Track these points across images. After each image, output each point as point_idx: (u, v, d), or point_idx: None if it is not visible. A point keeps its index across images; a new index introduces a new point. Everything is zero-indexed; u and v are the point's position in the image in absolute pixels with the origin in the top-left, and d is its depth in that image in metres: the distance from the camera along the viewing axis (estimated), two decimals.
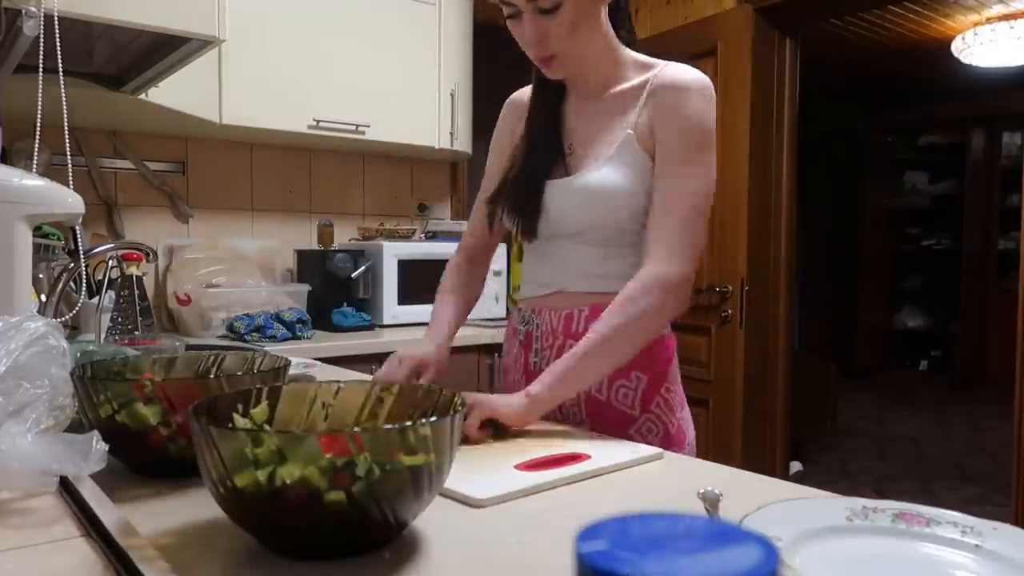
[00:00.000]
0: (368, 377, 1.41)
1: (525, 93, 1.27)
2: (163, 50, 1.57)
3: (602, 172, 1.10)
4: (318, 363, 1.60)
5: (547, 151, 1.17)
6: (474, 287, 1.34)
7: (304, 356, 1.70)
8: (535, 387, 0.99)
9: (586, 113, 1.18)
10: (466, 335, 2.50)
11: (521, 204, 1.17)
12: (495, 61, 3.79)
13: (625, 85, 1.15)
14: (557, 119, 1.20)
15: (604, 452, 0.88)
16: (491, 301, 2.78)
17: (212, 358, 0.92)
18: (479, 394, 0.98)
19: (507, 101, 1.34)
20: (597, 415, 1.11)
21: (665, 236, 1.05)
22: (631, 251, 1.11)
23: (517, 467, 0.81)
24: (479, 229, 1.31)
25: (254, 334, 2.18)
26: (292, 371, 1.45)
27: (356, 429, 0.66)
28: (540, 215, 1.15)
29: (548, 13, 1.05)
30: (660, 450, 0.91)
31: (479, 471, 0.79)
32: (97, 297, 1.90)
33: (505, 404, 0.96)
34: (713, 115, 1.11)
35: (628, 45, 1.18)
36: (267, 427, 0.67)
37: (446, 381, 0.98)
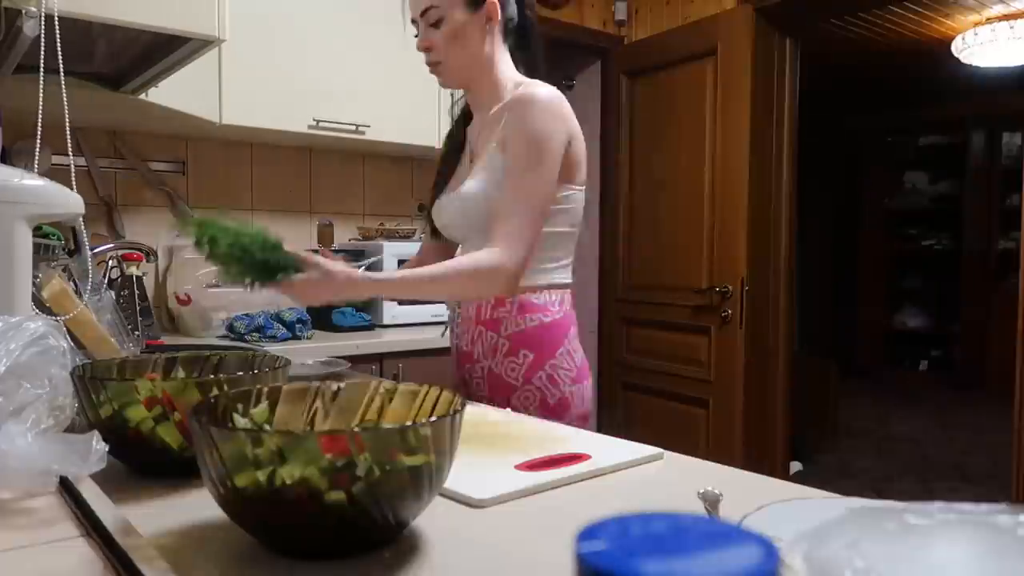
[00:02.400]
0: (370, 378, 1.43)
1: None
2: (163, 50, 1.57)
3: (471, 182, 1.32)
4: (344, 362, 1.61)
5: (441, 172, 1.44)
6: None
7: (304, 356, 1.70)
8: (359, 276, 1.21)
9: (479, 132, 1.40)
10: None
11: (426, 216, 1.48)
12: None
13: (500, 104, 1.34)
14: (459, 143, 1.45)
15: (604, 452, 0.88)
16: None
17: (212, 358, 0.92)
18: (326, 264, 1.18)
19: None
20: (492, 383, 1.33)
21: (506, 231, 1.23)
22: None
23: (517, 467, 0.81)
24: (425, 237, 1.57)
25: (254, 334, 2.18)
26: (316, 371, 1.49)
27: (356, 429, 0.66)
28: (435, 225, 1.43)
29: (434, 27, 1.31)
30: (660, 450, 0.91)
31: (479, 471, 0.79)
32: (97, 296, 1.89)
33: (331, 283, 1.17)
34: (555, 128, 1.27)
35: (531, 67, 1.39)
36: (267, 427, 0.67)
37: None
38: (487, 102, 1.37)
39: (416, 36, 1.35)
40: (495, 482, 0.75)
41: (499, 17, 1.33)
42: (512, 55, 1.38)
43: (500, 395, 1.31)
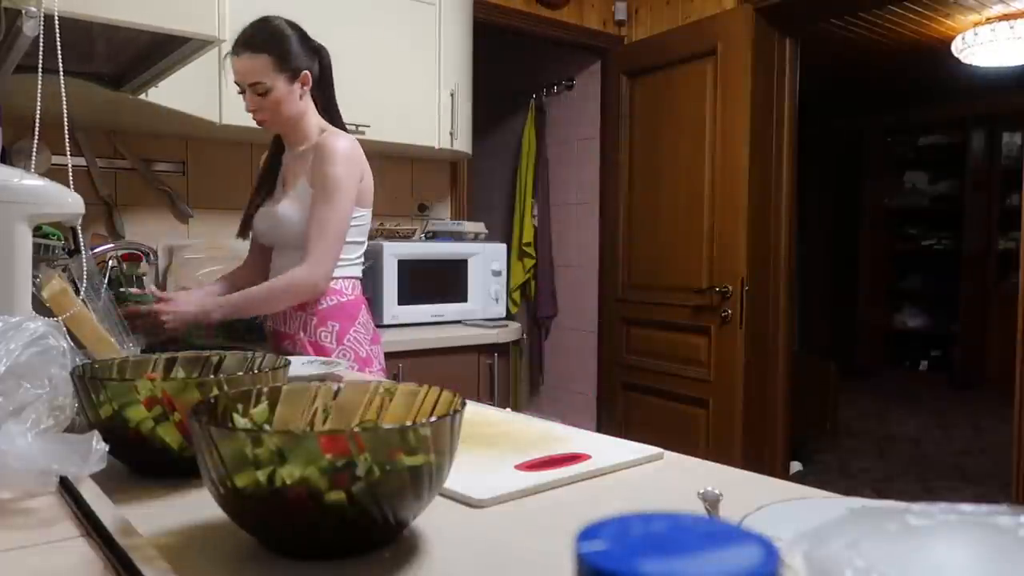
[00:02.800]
0: (369, 377, 1.45)
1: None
2: (163, 50, 1.57)
3: (282, 204, 1.76)
4: (344, 361, 1.63)
5: (263, 187, 1.89)
6: (240, 282, 1.90)
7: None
8: (210, 306, 1.70)
9: (290, 162, 1.83)
10: (466, 335, 2.50)
11: (243, 218, 1.91)
12: (495, 61, 3.80)
13: (307, 145, 1.78)
14: (277, 165, 1.88)
15: (604, 452, 0.88)
16: (491, 301, 2.78)
17: (212, 358, 0.92)
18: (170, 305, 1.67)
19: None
20: (317, 349, 1.73)
21: (314, 252, 1.68)
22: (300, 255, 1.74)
23: (517, 467, 0.81)
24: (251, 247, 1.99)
25: (251, 333, 2.18)
26: (316, 371, 1.50)
27: (356, 429, 0.66)
28: (250, 229, 1.90)
29: (261, 96, 1.69)
30: (660, 450, 0.91)
31: (479, 471, 0.79)
32: (98, 296, 1.89)
33: (177, 313, 1.65)
34: (349, 173, 1.70)
35: (328, 115, 1.82)
36: (267, 427, 0.67)
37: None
38: (297, 142, 1.80)
39: (239, 93, 1.73)
40: (495, 482, 0.75)
41: (310, 83, 1.73)
42: (314, 98, 1.78)
43: (323, 354, 1.71)
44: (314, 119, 1.79)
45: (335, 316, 1.77)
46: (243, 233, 1.92)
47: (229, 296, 1.72)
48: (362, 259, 1.86)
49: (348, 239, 1.76)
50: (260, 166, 1.94)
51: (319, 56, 1.78)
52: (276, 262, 1.86)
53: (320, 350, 1.75)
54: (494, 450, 0.90)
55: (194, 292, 1.89)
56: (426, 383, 0.70)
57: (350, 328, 1.78)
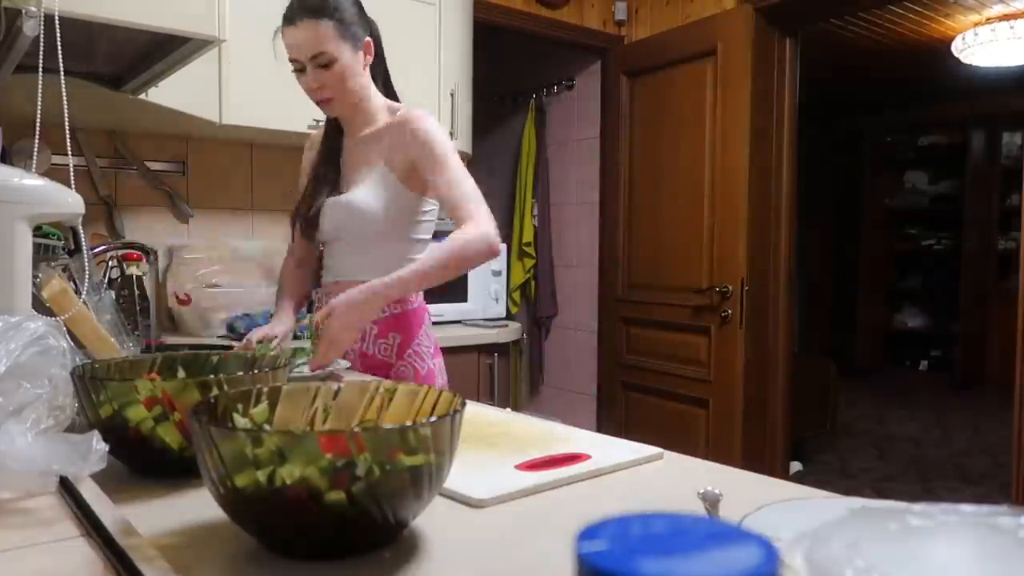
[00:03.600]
0: (369, 377, 1.45)
1: (319, 133, 1.71)
2: (163, 50, 1.57)
3: (358, 193, 1.53)
4: (345, 362, 1.61)
5: (325, 178, 1.61)
6: (304, 285, 1.74)
7: (304, 356, 1.70)
8: (379, 285, 1.39)
9: (354, 148, 1.60)
10: (466, 335, 2.50)
11: (303, 217, 1.61)
12: (495, 61, 3.80)
13: (378, 126, 1.57)
14: (337, 153, 1.63)
15: (604, 452, 0.88)
16: (491, 301, 2.78)
17: (212, 358, 0.92)
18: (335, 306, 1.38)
19: (310, 137, 1.78)
20: (366, 363, 1.54)
21: (467, 211, 1.43)
22: (382, 251, 1.54)
23: (517, 467, 0.81)
24: (297, 237, 1.70)
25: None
26: (324, 369, 1.51)
27: (356, 429, 0.66)
28: (317, 226, 1.59)
29: (324, 68, 1.46)
30: (660, 450, 0.91)
31: (479, 471, 0.79)
32: (97, 296, 1.90)
33: (347, 305, 1.37)
34: (441, 132, 1.50)
35: (386, 92, 1.62)
36: (267, 427, 0.67)
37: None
38: (363, 123, 1.58)
39: (294, 72, 1.50)
40: (495, 482, 0.75)
41: (372, 53, 1.53)
42: (372, 74, 1.57)
43: (377, 372, 1.53)
44: (378, 97, 1.59)
45: (398, 325, 1.54)
46: (308, 233, 1.63)
47: (396, 274, 1.41)
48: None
49: (415, 235, 1.57)
50: (311, 160, 1.70)
51: (372, 26, 1.57)
52: (335, 260, 1.62)
53: (372, 365, 1.54)
54: (494, 450, 0.90)
55: (276, 328, 1.60)
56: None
57: (413, 340, 1.55)
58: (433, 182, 1.48)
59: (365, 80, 1.53)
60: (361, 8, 1.53)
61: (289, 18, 1.49)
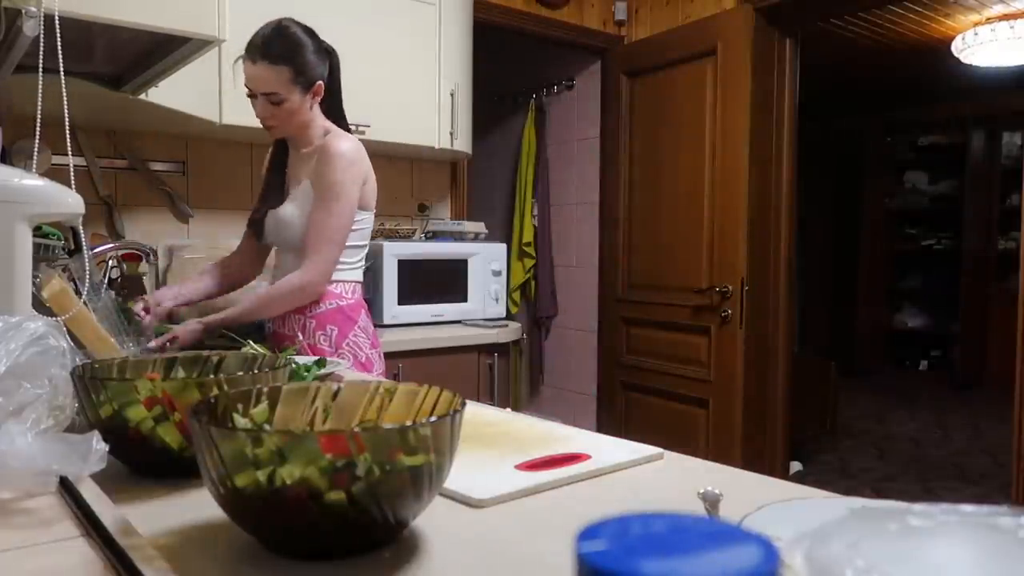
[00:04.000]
0: (370, 378, 1.45)
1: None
2: (163, 50, 1.57)
3: (286, 208, 1.76)
4: (345, 361, 1.62)
5: (271, 186, 1.85)
6: (227, 276, 1.95)
7: (304, 356, 1.71)
8: (212, 318, 1.71)
9: (295, 162, 1.81)
10: (466, 335, 2.50)
11: (252, 220, 1.88)
12: (495, 61, 3.80)
13: (312, 147, 1.76)
14: (283, 165, 1.85)
15: (604, 452, 0.88)
16: (491, 301, 2.78)
17: (212, 358, 0.92)
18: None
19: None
20: (313, 353, 1.68)
21: (314, 256, 1.69)
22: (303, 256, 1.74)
23: (517, 467, 0.81)
24: (246, 236, 1.93)
25: (254, 334, 2.18)
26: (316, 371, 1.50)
27: (356, 429, 0.66)
28: (262, 230, 1.84)
29: (274, 104, 1.67)
30: (660, 450, 0.91)
31: (479, 471, 0.79)
32: (97, 296, 1.90)
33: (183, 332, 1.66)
34: (351, 177, 1.70)
35: (333, 116, 1.80)
36: (267, 427, 0.67)
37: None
38: (302, 144, 1.78)
39: (247, 96, 1.69)
40: (495, 482, 0.75)
41: (322, 92, 1.72)
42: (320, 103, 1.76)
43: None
44: (319, 121, 1.77)
45: (333, 320, 1.76)
46: (258, 235, 1.88)
47: (227, 312, 1.73)
48: (363, 262, 1.85)
49: (349, 243, 1.76)
50: (264, 168, 1.92)
51: (329, 59, 1.76)
52: (280, 262, 1.86)
53: (317, 353, 1.72)
54: (494, 450, 0.90)
55: (184, 287, 1.89)
56: (426, 383, 0.70)
57: (349, 332, 1.76)
58: (312, 212, 1.70)
59: (310, 115, 1.74)
60: (319, 47, 1.72)
61: (249, 55, 1.65)
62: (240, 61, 1.67)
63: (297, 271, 1.69)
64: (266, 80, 1.64)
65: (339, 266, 1.75)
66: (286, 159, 1.84)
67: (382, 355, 1.85)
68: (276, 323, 1.82)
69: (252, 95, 1.68)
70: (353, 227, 1.75)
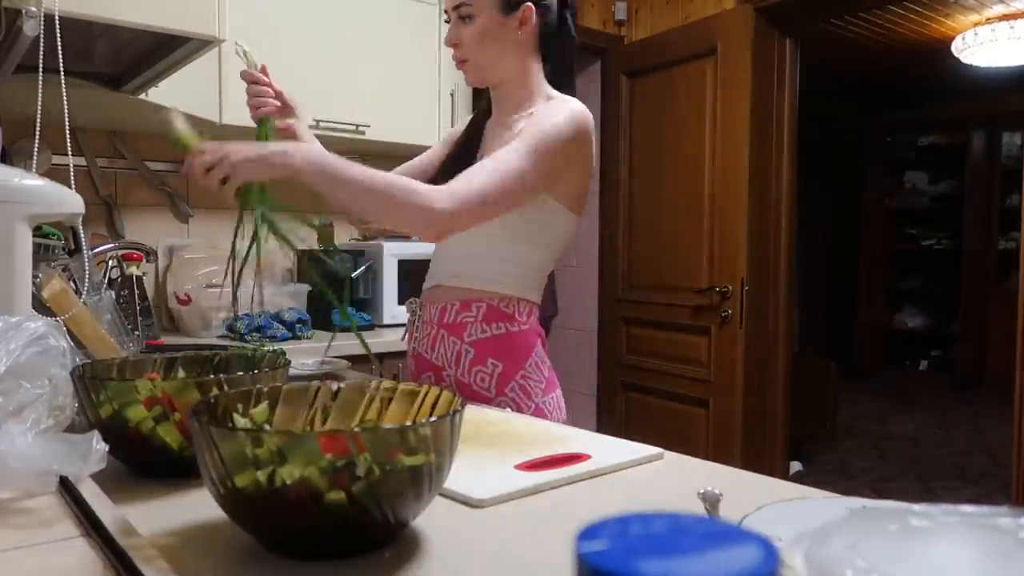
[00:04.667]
0: (368, 377, 1.43)
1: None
2: (163, 50, 1.57)
3: None
4: (345, 362, 1.61)
5: (458, 163, 1.27)
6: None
7: (304, 356, 1.70)
8: (312, 154, 1.08)
9: (496, 133, 1.33)
10: None
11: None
12: None
13: (523, 112, 1.28)
14: (478, 136, 1.38)
15: (604, 452, 0.88)
16: None
17: (212, 358, 0.92)
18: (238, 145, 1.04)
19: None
20: (466, 394, 1.24)
21: (465, 180, 1.13)
22: (498, 258, 1.27)
23: (517, 467, 0.81)
24: (420, 165, 1.47)
25: (254, 334, 2.18)
26: (316, 371, 1.50)
27: (356, 429, 0.66)
28: None
29: (465, 21, 1.24)
30: (660, 450, 0.91)
31: (479, 471, 0.79)
32: (97, 296, 1.90)
33: (268, 154, 1.06)
34: (568, 133, 1.20)
35: (559, 81, 1.31)
36: (267, 427, 0.67)
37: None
38: (509, 108, 1.30)
39: (447, 21, 1.28)
40: (495, 482, 0.75)
41: (533, 24, 1.25)
42: (543, 56, 1.30)
43: (478, 401, 1.24)
44: (541, 84, 1.30)
45: (498, 351, 1.25)
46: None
47: (327, 155, 1.10)
48: (545, 279, 1.34)
49: (550, 250, 1.30)
50: (453, 134, 1.47)
51: (563, 4, 1.29)
52: (447, 261, 1.34)
53: (472, 396, 1.25)
54: (494, 450, 0.90)
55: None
56: (426, 383, 0.70)
57: (517, 372, 1.26)
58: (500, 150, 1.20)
59: (512, 54, 1.26)
60: None
61: None
62: None
63: (443, 190, 1.12)
64: None
65: (526, 276, 1.28)
66: (479, 134, 1.38)
67: (561, 402, 1.32)
68: (422, 341, 1.32)
69: (447, 20, 1.29)
70: (567, 232, 1.30)
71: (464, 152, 1.35)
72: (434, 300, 1.33)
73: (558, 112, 1.21)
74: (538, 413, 1.26)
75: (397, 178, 1.12)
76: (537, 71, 1.30)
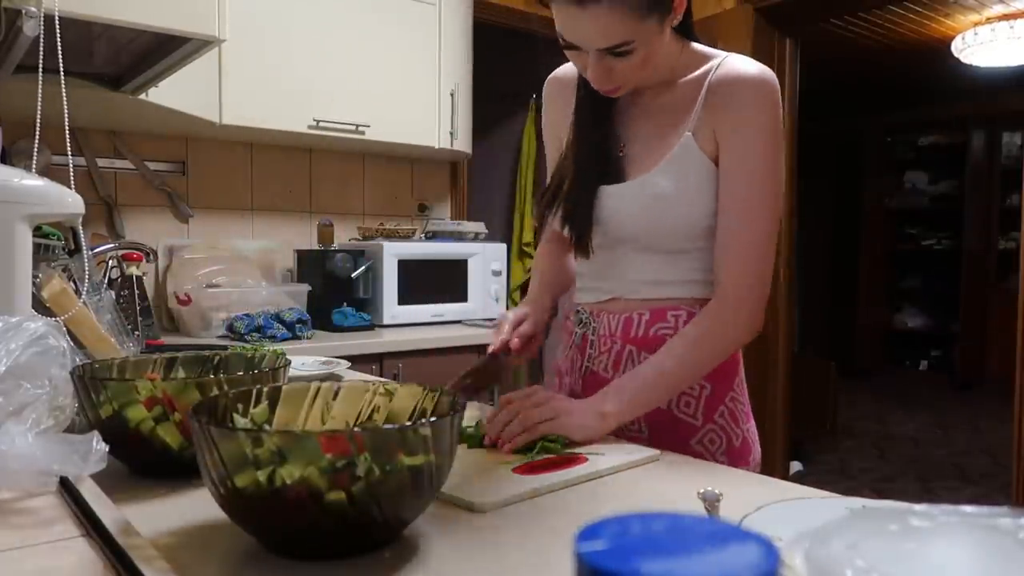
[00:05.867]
0: (369, 377, 1.43)
1: (569, 71, 1.15)
2: (163, 50, 1.57)
3: (660, 177, 1.02)
4: (345, 362, 1.60)
5: (598, 155, 1.08)
6: (566, 268, 1.26)
7: (304, 356, 1.70)
8: (610, 405, 0.95)
9: (641, 110, 1.09)
10: (466, 335, 2.50)
11: (573, 216, 1.08)
12: (495, 61, 3.80)
13: (682, 80, 1.05)
14: (608, 116, 1.10)
15: (601, 454, 0.88)
16: (491, 301, 2.77)
17: (212, 358, 0.92)
18: (555, 401, 0.93)
19: (549, 81, 1.22)
20: (658, 426, 1.04)
21: (742, 267, 0.99)
22: (690, 257, 1.05)
23: (515, 470, 0.81)
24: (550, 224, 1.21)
25: (254, 334, 2.18)
26: (316, 371, 1.49)
27: (356, 429, 0.66)
28: (592, 227, 1.08)
29: (619, 56, 0.95)
30: (656, 451, 0.91)
31: (477, 475, 0.79)
32: (97, 296, 1.90)
33: (579, 426, 0.92)
34: (779, 114, 1.01)
35: (688, 35, 1.08)
36: (267, 427, 0.67)
37: (541, 340, 1.11)
38: (659, 81, 1.07)
39: (564, 47, 0.99)
40: (493, 485, 0.75)
41: (685, 3, 0.98)
42: None
43: (671, 441, 1.01)
44: (683, 43, 1.07)
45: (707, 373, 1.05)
46: (576, 233, 1.10)
47: (634, 376, 0.99)
48: None
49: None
50: (566, 130, 1.13)
51: None
52: (604, 268, 1.11)
53: (669, 428, 1.05)
54: (492, 453, 0.89)
55: (527, 313, 1.18)
56: (426, 383, 0.70)
57: (727, 393, 1.08)
58: (727, 183, 1.01)
59: (671, 45, 1.03)
60: None
61: None
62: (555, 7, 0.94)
63: (718, 300, 1.00)
64: (603, 29, 0.92)
65: (701, 266, 1.07)
66: (606, 108, 1.09)
67: (754, 427, 1.14)
68: (601, 360, 1.11)
69: (569, 47, 0.98)
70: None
71: (592, 141, 1.09)
72: (612, 310, 1.11)
73: (762, 96, 0.99)
74: (744, 446, 1.08)
75: (685, 342, 0.99)
76: (675, 38, 1.05)
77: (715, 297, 1.00)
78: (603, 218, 1.07)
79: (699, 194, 1.02)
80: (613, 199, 1.06)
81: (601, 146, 1.09)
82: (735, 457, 1.06)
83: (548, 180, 1.16)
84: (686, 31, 1.06)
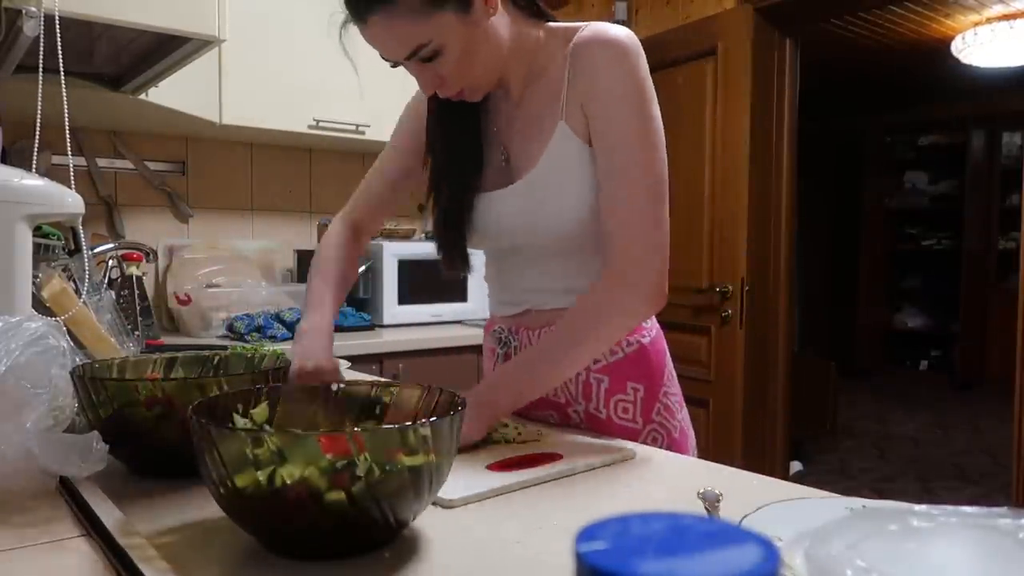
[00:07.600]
0: (369, 377, 1.43)
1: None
2: (163, 50, 1.57)
3: (541, 174, 0.98)
4: (345, 362, 1.60)
5: (474, 160, 1.05)
6: (355, 268, 1.22)
7: None
8: (503, 401, 0.92)
9: (510, 107, 1.05)
10: (466, 335, 2.50)
11: (447, 218, 1.05)
12: None
13: (552, 64, 1.01)
14: (477, 120, 1.07)
15: (576, 452, 0.88)
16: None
17: (212, 358, 0.92)
18: None
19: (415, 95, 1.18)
20: (600, 433, 1.02)
21: (628, 238, 0.93)
22: (596, 259, 0.99)
23: (489, 467, 0.81)
24: (371, 206, 1.24)
25: (254, 334, 2.18)
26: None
27: (356, 429, 0.66)
28: (470, 231, 1.05)
29: (433, 60, 0.92)
30: (632, 447, 0.91)
31: (451, 473, 0.78)
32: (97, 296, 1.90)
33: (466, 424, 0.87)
34: (639, 70, 0.97)
35: (542, 15, 1.03)
36: (267, 427, 0.67)
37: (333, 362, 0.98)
38: (522, 73, 1.03)
39: (390, 65, 0.98)
40: (465, 482, 0.74)
41: None
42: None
43: (619, 436, 1.01)
44: (537, 27, 1.02)
45: (639, 369, 1.04)
46: (460, 264, 1.07)
47: (508, 367, 0.98)
48: None
49: None
50: (411, 131, 1.17)
51: None
52: (513, 286, 1.09)
53: (611, 432, 1.02)
54: (467, 451, 0.88)
55: (324, 327, 1.07)
56: (426, 383, 0.70)
57: (659, 390, 1.06)
58: (600, 154, 0.95)
59: (502, 31, 0.96)
60: None
61: (359, 13, 0.92)
62: (346, 28, 0.98)
63: (606, 270, 0.95)
64: (396, 37, 0.90)
65: None
66: (473, 107, 1.04)
67: (687, 413, 1.12)
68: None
69: (395, 65, 0.97)
70: None
71: (471, 152, 1.06)
72: (529, 325, 1.07)
73: (618, 53, 0.95)
74: (682, 436, 1.07)
75: (577, 313, 0.94)
76: (522, 24, 1.00)
77: (602, 275, 0.94)
78: (486, 226, 1.04)
79: (582, 184, 0.97)
80: (496, 204, 1.02)
81: (475, 152, 1.05)
82: (676, 448, 1.04)
83: (385, 166, 1.20)
84: (540, 14, 1.02)
